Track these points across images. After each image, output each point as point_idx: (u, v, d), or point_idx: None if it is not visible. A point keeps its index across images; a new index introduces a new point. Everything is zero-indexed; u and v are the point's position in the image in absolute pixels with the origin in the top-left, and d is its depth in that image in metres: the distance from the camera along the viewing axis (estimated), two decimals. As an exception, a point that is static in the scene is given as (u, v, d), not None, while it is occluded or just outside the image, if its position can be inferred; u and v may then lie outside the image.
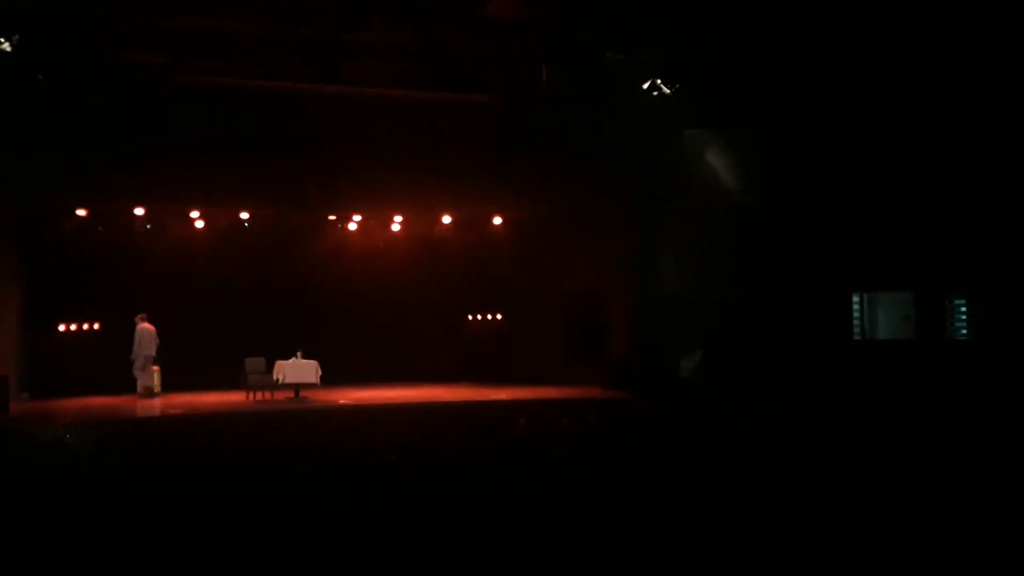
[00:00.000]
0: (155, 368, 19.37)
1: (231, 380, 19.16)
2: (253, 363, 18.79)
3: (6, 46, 15.16)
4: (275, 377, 18.37)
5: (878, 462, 9.61)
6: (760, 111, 18.80)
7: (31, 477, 9.23)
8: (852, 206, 18.32)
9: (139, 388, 19.04)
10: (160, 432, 13.90)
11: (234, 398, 18.60)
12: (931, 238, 17.45)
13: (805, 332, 18.34)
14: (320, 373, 18.56)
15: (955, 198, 17.08)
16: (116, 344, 19.48)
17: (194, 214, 20.18)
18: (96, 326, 20.86)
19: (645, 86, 18.28)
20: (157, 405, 17.78)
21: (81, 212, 19.39)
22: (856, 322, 18.87)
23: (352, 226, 21.81)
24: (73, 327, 20.84)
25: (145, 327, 19.20)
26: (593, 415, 14.25)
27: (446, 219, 21.41)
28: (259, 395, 18.60)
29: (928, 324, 17.92)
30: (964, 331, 17.60)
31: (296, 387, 18.66)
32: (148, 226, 20.13)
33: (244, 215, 20.17)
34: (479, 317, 24.61)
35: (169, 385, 19.77)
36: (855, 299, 18.93)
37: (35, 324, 19.61)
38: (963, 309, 17.65)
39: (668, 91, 18.26)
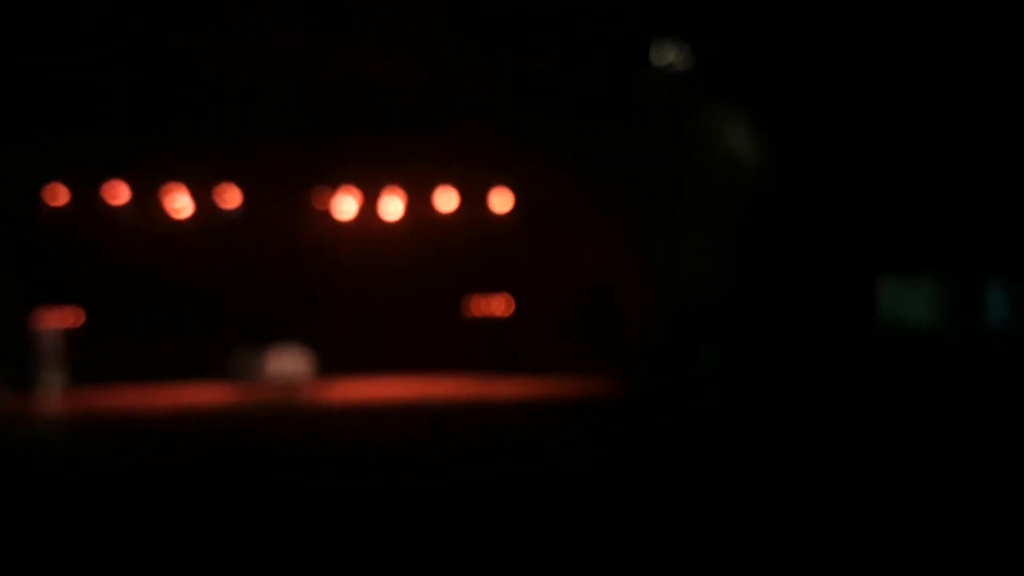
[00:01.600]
0: (58, 366, 18.71)
1: (217, 372, 18.34)
2: (241, 354, 18.14)
3: None
4: (265, 369, 17.87)
5: (901, 463, 9.05)
6: (778, 85, 17.96)
7: (19, 472, 9.41)
8: (878, 184, 17.52)
9: (43, 386, 18.36)
10: (140, 427, 13.84)
11: (219, 392, 17.92)
12: (965, 218, 16.70)
13: (828, 321, 17.64)
14: (313, 363, 18.12)
15: (992, 174, 16.37)
16: (91, 336, 18.99)
17: (180, 195, 19.51)
18: (72, 317, 20.07)
19: (659, 63, 17.70)
20: (129, 398, 17.24)
21: (59, 198, 18.82)
22: (884, 310, 18.09)
23: (349, 207, 20.99)
24: (49, 318, 19.80)
25: (51, 322, 18.72)
26: (599, 410, 14.17)
27: (450, 202, 20.82)
28: (246, 388, 17.87)
29: (963, 312, 17.22)
30: (1003, 319, 16.85)
31: (287, 380, 18.03)
32: (130, 207, 19.44)
33: (234, 195, 19.61)
34: (484, 305, 23.78)
35: (152, 377, 18.98)
36: (882, 285, 18.16)
37: (9, 316, 18.78)
38: (1001, 295, 16.90)
39: (683, 67, 17.67)
